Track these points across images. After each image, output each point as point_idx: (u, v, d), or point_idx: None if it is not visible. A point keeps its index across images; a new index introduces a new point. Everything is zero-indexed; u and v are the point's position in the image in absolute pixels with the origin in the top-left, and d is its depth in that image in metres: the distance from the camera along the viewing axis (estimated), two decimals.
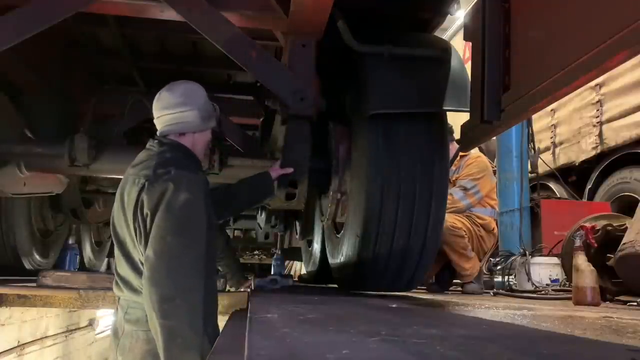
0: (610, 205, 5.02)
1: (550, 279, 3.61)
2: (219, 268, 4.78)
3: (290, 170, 2.48)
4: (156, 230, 1.82)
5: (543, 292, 3.36)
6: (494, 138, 5.56)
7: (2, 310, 3.87)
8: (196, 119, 2.07)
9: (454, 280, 4.12)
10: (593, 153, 5.37)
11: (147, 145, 2.08)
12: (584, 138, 5.49)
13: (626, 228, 2.80)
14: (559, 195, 5.97)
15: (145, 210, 1.85)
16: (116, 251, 2.01)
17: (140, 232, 1.87)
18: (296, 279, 6.38)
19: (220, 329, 2.08)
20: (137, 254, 1.93)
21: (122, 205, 1.96)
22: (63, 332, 5.54)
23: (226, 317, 2.80)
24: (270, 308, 1.69)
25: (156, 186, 1.86)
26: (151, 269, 1.81)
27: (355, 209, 2.61)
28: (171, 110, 2.05)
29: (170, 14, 2.42)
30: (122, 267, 1.98)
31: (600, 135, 5.25)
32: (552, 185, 6.11)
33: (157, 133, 2.10)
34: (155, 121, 2.10)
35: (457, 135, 2.96)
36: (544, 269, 3.64)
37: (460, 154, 3.95)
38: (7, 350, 4.23)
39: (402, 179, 2.45)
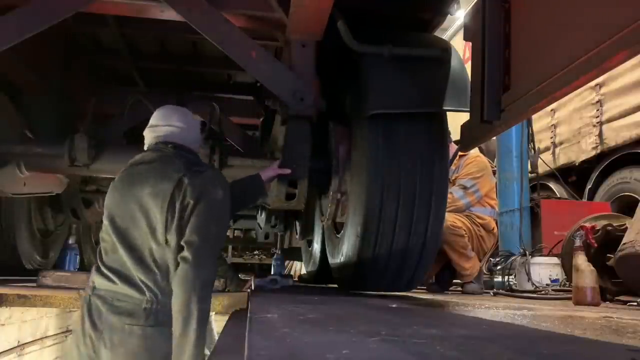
0: (610, 205, 5.02)
1: (550, 279, 3.61)
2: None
3: (287, 170, 2.53)
4: (201, 219, 1.94)
5: (543, 292, 3.36)
6: (494, 138, 5.56)
7: (2, 310, 3.87)
8: (197, 137, 2.25)
9: (454, 280, 4.12)
10: (593, 153, 5.37)
11: (153, 147, 2.15)
12: (584, 138, 5.49)
13: (626, 228, 2.80)
14: (559, 195, 5.97)
15: (188, 200, 1.94)
16: (112, 243, 1.99)
17: (173, 222, 1.93)
18: (296, 279, 6.39)
19: (220, 329, 2.09)
20: (150, 244, 1.94)
21: (134, 199, 1.98)
22: (63, 332, 5.54)
23: (226, 317, 2.80)
24: (270, 308, 1.69)
25: (197, 180, 1.98)
26: (197, 253, 1.90)
27: (355, 209, 2.61)
28: (168, 125, 2.16)
29: (170, 14, 2.42)
30: (118, 258, 1.97)
31: (600, 135, 5.25)
32: (552, 185, 6.11)
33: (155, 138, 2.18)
34: (154, 130, 2.18)
35: (455, 135, 2.96)
36: (544, 269, 3.64)
37: (460, 153, 3.95)
38: (7, 350, 4.22)
39: (402, 179, 2.45)
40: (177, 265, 1.92)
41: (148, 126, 2.21)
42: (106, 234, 2.03)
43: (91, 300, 1.97)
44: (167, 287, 1.94)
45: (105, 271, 1.98)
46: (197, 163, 2.15)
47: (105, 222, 2.03)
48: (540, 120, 6.10)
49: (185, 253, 1.90)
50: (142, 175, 2.03)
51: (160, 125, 2.17)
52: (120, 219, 2.00)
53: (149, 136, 2.20)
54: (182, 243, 1.92)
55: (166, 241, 1.94)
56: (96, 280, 1.99)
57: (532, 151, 5.68)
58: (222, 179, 2.11)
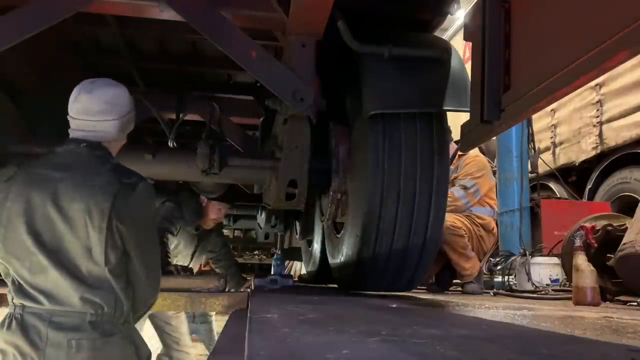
0: (610, 205, 5.02)
1: (550, 279, 3.61)
2: (217, 270, 4.78)
3: None
4: (144, 234, 1.94)
5: (543, 292, 3.36)
6: (494, 138, 5.56)
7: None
8: (114, 130, 1.97)
9: (454, 280, 4.12)
10: (593, 153, 5.37)
11: (68, 148, 1.93)
12: (584, 138, 5.49)
13: (626, 228, 2.80)
14: (559, 195, 5.97)
15: (126, 222, 1.84)
16: (39, 263, 1.81)
17: (112, 241, 1.83)
18: (296, 279, 6.39)
19: (220, 329, 2.09)
20: (87, 265, 1.83)
21: (60, 215, 1.81)
22: None
23: (226, 317, 2.80)
24: (270, 308, 1.69)
25: (133, 199, 1.87)
26: (150, 268, 1.95)
27: (355, 209, 2.61)
28: (88, 117, 1.93)
29: (170, 14, 2.42)
30: (50, 280, 1.82)
31: (600, 135, 5.25)
32: (552, 185, 6.11)
33: (70, 132, 1.97)
34: (69, 119, 1.96)
35: (455, 135, 2.96)
36: (544, 269, 3.64)
37: (459, 153, 3.95)
38: None
39: (402, 179, 2.45)
40: (112, 281, 1.86)
41: (70, 108, 1.95)
42: (24, 252, 1.81)
43: (24, 319, 1.81)
44: (111, 301, 1.86)
45: (34, 292, 1.82)
46: (126, 170, 1.96)
47: (24, 237, 1.81)
48: (540, 120, 6.10)
49: (140, 268, 1.94)
50: (62, 187, 1.83)
51: (73, 117, 1.94)
52: (49, 236, 1.82)
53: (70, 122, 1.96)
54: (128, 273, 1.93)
55: (106, 261, 1.83)
56: (23, 300, 1.83)
57: (532, 151, 5.68)
58: (152, 192, 1.99)
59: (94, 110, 1.93)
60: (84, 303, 1.82)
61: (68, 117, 1.97)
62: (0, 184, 1.90)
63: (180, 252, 4.48)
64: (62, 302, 1.82)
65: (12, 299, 1.87)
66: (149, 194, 1.96)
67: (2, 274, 1.94)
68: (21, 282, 1.84)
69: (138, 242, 1.90)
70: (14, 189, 1.86)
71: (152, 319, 4.66)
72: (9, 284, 1.89)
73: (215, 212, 4.33)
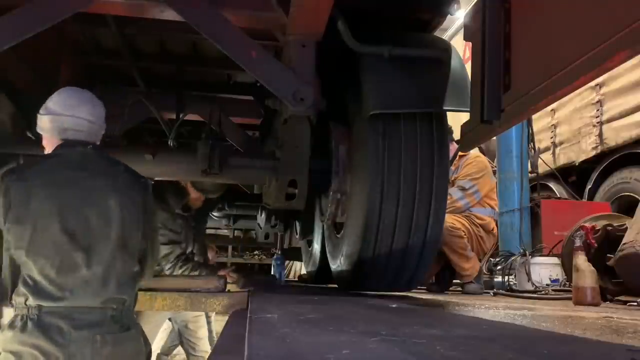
0: (610, 205, 5.02)
1: (550, 279, 3.61)
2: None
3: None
4: (154, 224, 2.10)
5: (543, 292, 3.36)
6: (494, 138, 5.56)
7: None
8: (99, 137, 2.20)
9: (454, 280, 4.12)
10: (593, 153, 5.37)
11: (75, 150, 2.03)
12: (584, 138, 5.49)
13: (626, 228, 2.80)
14: (559, 195, 5.97)
15: (150, 210, 2.07)
16: (73, 261, 1.87)
17: (144, 229, 2.02)
18: (296, 279, 6.39)
19: (220, 329, 2.11)
20: (118, 258, 1.91)
21: (95, 210, 1.90)
22: None
23: (226, 317, 2.80)
24: (270, 308, 1.69)
25: (149, 190, 2.08)
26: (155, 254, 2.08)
27: (355, 209, 2.61)
28: (101, 122, 2.15)
29: (170, 14, 2.42)
30: (79, 277, 1.87)
31: (600, 135, 5.25)
32: (552, 185, 6.11)
33: (62, 132, 2.03)
34: (64, 118, 2.02)
35: (456, 135, 2.96)
36: (544, 269, 3.64)
37: (460, 154, 3.95)
38: None
39: (402, 179, 2.45)
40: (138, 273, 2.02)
41: (50, 114, 2.01)
42: (56, 251, 1.87)
43: (41, 319, 1.83)
44: (134, 293, 1.98)
45: (57, 291, 1.85)
46: (134, 171, 2.17)
47: (57, 237, 1.86)
48: (540, 120, 6.10)
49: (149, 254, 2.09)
50: (92, 184, 1.92)
51: (80, 117, 2.05)
52: (83, 234, 1.88)
53: (51, 127, 2.01)
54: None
55: (139, 253, 1.96)
56: (41, 302, 1.85)
57: (532, 151, 5.68)
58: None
59: (103, 115, 2.17)
60: (108, 301, 1.89)
61: (61, 116, 2.01)
62: (15, 186, 1.90)
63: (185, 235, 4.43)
64: (87, 299, 1.87)
65: (26, 300, 1.86)
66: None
67: (7, 276, 1.93)
68: (44, 281, 1.85)
69: (153, 230, 2.09)
70: (38, 190, 1.89)
71: (174, 319, 4.66)
72: (21, 286, 1.88)
73: (195, 191, 4.31)
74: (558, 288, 3.49)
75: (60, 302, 1.85)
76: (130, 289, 1.98)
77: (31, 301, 1.86)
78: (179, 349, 4.89)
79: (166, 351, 5.13)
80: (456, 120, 3.47)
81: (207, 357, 4.72)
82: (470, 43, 2.25)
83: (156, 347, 5.18)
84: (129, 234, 1.94)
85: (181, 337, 4.73)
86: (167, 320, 4.65)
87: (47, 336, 1.82)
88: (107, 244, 1.90)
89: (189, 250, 4.27)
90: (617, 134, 5.05)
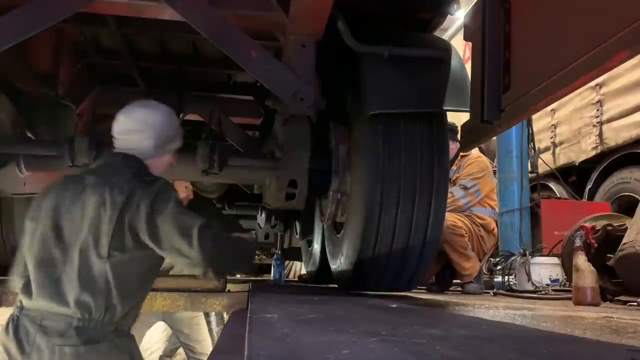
0: (610, 205, 5.02)
1: (550, 279, 3.61)
2: None
3: None
4: (170, 222, 1.87)
5: (543, 292, 3.36)
6: (494, 138, 5.56)
7: (1, 310, 3.86)
8: (149, 147, 2.06)
9: (454, 280, 4.12)
10: (593, 153, 5.37)
11: (106, 159, 2.10)
12: (584, 138, 5.49)
13: (626, 228, 2.80)
14: (559, 195, 5.97)
15: (142, 210, 1.85)
16: (51, 257, 1.87)
17: (121, 234, 1.85)
18: (296, 279, 6.39)
19: (220, 329, 2.09)
20: (91, 258, 1.85)
21: (79, 210, 1.88)
22: None
23: (226, 317, 2.80)
24: (270, 308, 1.69)
25: (149, 190, 1.90)
26: (200, 251, 1.87)
27: (355, 209, 2.61)
28: (124, 135, 2.06)
29: (170, 14, 2.42)
30: (53, 274, 1.85)
31: (600, 135, 5.25)
32: (552, 185, 6.11)
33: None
34: (113, 140, 2.11)
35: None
36: (544, 269, 3.64)
37: (461, 154, 3.95)
38: None
39: (402, 179, 2.45)
40: (110, 279, 1.86)
41: (112, 129, 2.10)
42: (43, 247, 1.89)
43: (19, 320, 1.85)
44: (102, 303, 1.85)
45: (36, 289, 1.86)
46: (147, 173, 2.04)
47: (48, 233, 1.89)
48: (540, 120, 6.10)
49: (191, 257, 1.87)
50: (88, 186, 1.91)
51: (113, 137, 2.08)
52: (68, 231, 1.89)
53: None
54: (174, 254, 1.89)
55: (108, 255, 1.84)
56: (24, 299, 1.88)
57: (532, 151, 5.68)
58: (172, 187, 2.02)
59: (129, 129, 2.06)
60: (76, 303, 1.82)
61: (113, 138, 2.10)
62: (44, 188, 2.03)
63: None
64: (60, 299, 1.83)
65: (19, 300, 1.90)
66: (168, 187, 1.98)
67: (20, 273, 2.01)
68: (30, 278, 1.89)
69: (168, 229, 1.88)
70: (52, 190, 1.98)
71: (169, 325, 4.64)
72: (19, 286, 1.94)
73: (182, 189, 4.29)
74: (558, 288, 3.49)
75: (35, 302, 1.85)
76: (100, 295, 1.84)
77: (19, 299, 1.90)
78: (182, 349, 4.88)
79: (168, 353, 5.13)
80: (456, 120, 3.47)
81: (204, 358, 4.72)
82: (470, 43, 2.25)
83: (157, 347, 5.17)
84: (101, 230, 1.85)
85: (179, 341, 4.72)
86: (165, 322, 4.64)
87: (17, 339, 1.83)
88: (82, 239, 1.86)
89: None
90: (617, 134, 5.05)
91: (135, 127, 2.05)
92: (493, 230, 3.93)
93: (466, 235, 3.74)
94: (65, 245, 1.88)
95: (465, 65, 2.58)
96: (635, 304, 2.64)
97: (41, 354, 1.80)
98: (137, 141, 2.04)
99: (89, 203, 1.88)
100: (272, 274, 4.90)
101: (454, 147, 3.47)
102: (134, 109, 2.09)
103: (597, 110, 5.30)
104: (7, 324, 1.87)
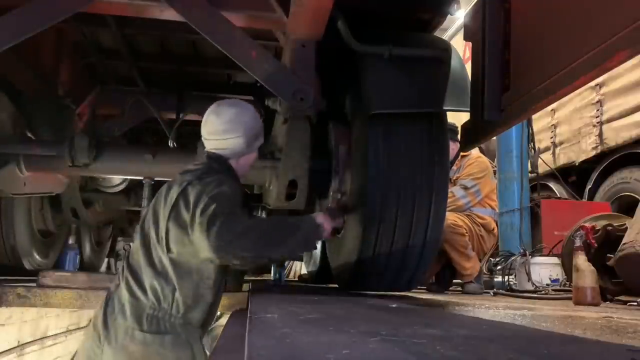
0: (610, 205, 5.02)
1: (550, 279, 3.61)
2: None
3: (339, 222, 2.41)
4: (201, 204, 1.90)
5: (543, 292, 3.36)
6: (494, 138, 5.56)
7: (2, 310, 3.87)
8: (241, 146, 2.12)
9: (454, 280, 4.12)
10: (593, 153, 5.37)
11: (200, 161, 2.16)
12: (584, 138, 5.49)
13: (626, 228, 2.80)
14: (559, 195, 5.97)
15: (190, 203, 1.92)
16: (137, 245, 2.05)
17: (175, 229, 1.94)
18: (296, 279, 6.39)
19: (220, 329, 2.09)
20: (157, 250, 1.98)
21: (160, 204, 2.02)
22: (63, 332, 5.54)
23: (226, 317, 2.80)
24: (270, 308, 1.69)
25: (200, 184, 1.96)
26: (209, 229, 1.86)
27: (355, 209, 2.61)
28: (216, 136, 2.11)
29: (170, 14, 2.42)
30: (138, 260, 2.01)
31: (600, 135, 5.25)
32: (552, 185, 6.11)
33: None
34: (203, 140, 2.17)
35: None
36: (544, 269, 3.64)
37: (461, 154, 3.96)
38: (7, 350, 4.23)
39: (402, 179, 2.45)
40: (172, 273, 1.95)
41: (202, 131, 2.18)
42: (136, 234, 2.09)
43: (112, 296, 2.01)
44: (169, 293, 1.94)
45: (127, 272, 2.02)
46: (215, 171, 2.05)
47: (140, 223, 2.11)
48: (540, 120, 6.10)
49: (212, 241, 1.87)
50: (173, 184, 2.05)
51: (204, 138, 2.15)
52: (147, 223, 2.05)
53: None
54: (196, 233, 1.89)
55: (168, 249, 1.95)
56: (121, 279, 2.03)
57: (532, 151, 5.68)
58: (230, 184, 2.01)
59: (218, 130, 2.10)
60: (150, 288, 1.94)
61: (203, 139, 2.16)
62: None
63: None
64: (139, 284, 1.96)
65: (118, 277, 2.07)
66: (221, 182, 1.98)
67: None
68: (125, 262, 2.07)
69: (195, 218, 1.90)
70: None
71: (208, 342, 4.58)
72: (120, 267, 2.11)
73: None
74: (558, 288, 3.49)
75: (125, 283, 2.01)
76: (167, 285, 1.95)
77: (117, 279, 2.09)
78: None
79: None
80: (456, 120, 3.47)
81: None
82: (470, 43, 2.25)
83: None
84: (163, 225, 1.97)
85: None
86: None
87: (104, 315, 2.00)
88: (153, 236, 2.01)
89: None
90: (617, 134, 5.05)
91: (225, 127, 2.09)
92: (493, 230, 3.94)
93: (467, 234, 3.74)
94: (144, 235, 2.03)
95: (465, 65, 2.58)
96: (635, 304, 2.64)
97: (118, 334, 1.93)
98: (227, 141, 2.10)
99: (160, 200, 2.02)
100: (272, 274, 4.91)
101: (454, 147, 3.47)
102: (222, 109, 2.13)
103: (597, 110, 5.30)
104: (103, 301, 2.03)
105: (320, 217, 2.14)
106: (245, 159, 2.19)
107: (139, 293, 1.95)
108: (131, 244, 2.14)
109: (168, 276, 1.95)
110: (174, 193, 1.97)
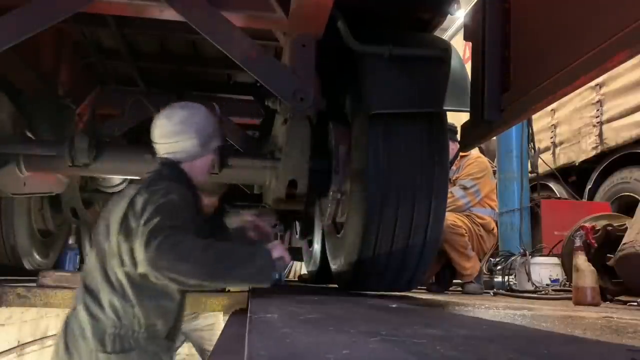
0: (610, 205, 5.02)
1: (550, 279, 3.61)
2: None
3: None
4: (146, 216, 1.79)
5: (543, 292, 3.36)
6: (494, 138, 5.56)
7: (2, 310, 3.86)
8: (194, 148, 2.04)
9: (454, 280, 4.12)
10: (593, 153, 5.37)
11: (154, 167, 2.10)
12: (584, 138, 5.49)
13: (626, 228, 2.80)
14: (559, 195, 5.97)
15: (138, 212, 1.83)
16: (93, 262, 1.95)
17: (126, 242, 1.84)
18: (296, 279, 6.39)
19: (221, 329, 2.08)
20: (113, 265, 1.88)
21: (111, 216, 1.93)
22: None
23: (226, 317, 2.80)
24: (270, 308, 1.69)
25: (146, 192, 1.88)
26: (148, 245, 1.74)
27: (355, 209, 2.61)
28: (167, 140, 2.03)
29: (170, 14, 2.42)
30: (94, 278, 1.92)
31: (600, 135, 5.25)
32: (552, 185, 6.11)
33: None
34: (154, 145, 2.08)
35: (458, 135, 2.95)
36: (544, 269, 3.64)
37: (461, 154, 3.96)
38: (7, 350, 4.22)
39: (402, 179, 2.45)
40: (129, 287, 1.87)
41: (152, 135, 2.11)
42: (90, 253, 2.03)
43: (69, 322, 1.93)
44: (128, 310, 1.87)
45: (84, 293, 1.93)
46: (165, 178, 1.97)
47: (95, 239, 2.00)
48: (540, 120, 6.10)
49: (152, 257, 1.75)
50: (119, 196, 2.00)
51: (154, 142, 2.07)
52: (101, 238, 1.96)
53: None
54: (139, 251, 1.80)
55: (122, 263, 1.87)
56: (77, 302, 1.95)
57: (532, 151, 5.69)
58: (179, 190, 1.91)
59: (169, 132, 2.03)
60: (110, 306, 1.87)
61: (153, 143, 2.08)
62: None
63: None
64: (99, 303, 1.89)
65: (74, 300, 2.01)
66: (168, 191, 1.88)
67: None
68: (83, 282, 1.98)
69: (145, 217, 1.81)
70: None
71: (187, 333, 4.60)
72: (78, 288, 2.02)
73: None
74: (558, 288, 3.49)
75: (82, 305, 1.93)
76: (129, 304, 1.87)
77: (75, 297, 2.03)
78: (181, 349, 4.87)
79: None
80: (456, 120, 3.47)
81: None
82: (470, 43, 2.25)
83: None
84: (117, 241, 1.87)
85: (198, 347, 4.65)
86: None
87: (65, 339, 1.94)
88: (107, 251, 1.93)
89: None
90: (617, 134, 5.05)
91: (176, 129, 2.02)
92: (493, 230, 3.94)
93: (466, 234, 3.74)
94: (99, 252, 1.95)
95: (465, 65, 2.58)
96: (635, 304, 2.64)
97: (81, 357, 1.86)
98: (180, 143, 2.02)
99: (111, 212, 1.95)
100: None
101: (453, 147, 3.47)
102: (172, 111, 2.07)
103: (597, 110, 5.30)
104: (63, 324, 1.96)
105: (278, 250, 1.93)
106: (201, 162, 2.09)
107: (98, 313, 1.87)
108: (85, 265, 2.04)
109: (125, 291, 1.87)
110: (124, 203, 1.88)
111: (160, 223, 1.75)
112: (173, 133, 2.02)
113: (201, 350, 4.61)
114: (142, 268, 1.79)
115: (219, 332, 4.54)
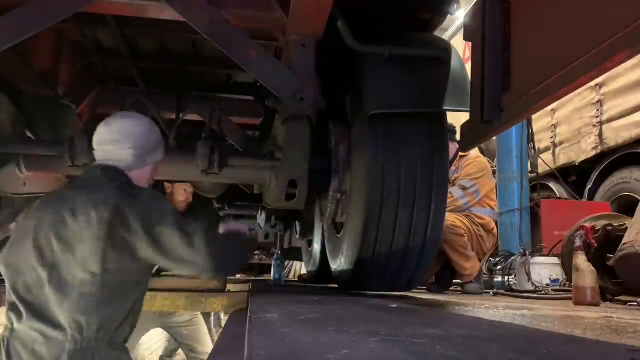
0: (610, 205, 5.02)
1: (550, 279, 3.61)
2: None
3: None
4: (171, 233, 1.84)
5: (543, 292, 3.36)
6: (494, 138, 5.56)
7: (2, 310, 3.86)
8: (130, 158, 2.00)
9: (454, 280, 4.12)
10: (593, 153, 5.37)
11: (86, 171, 2.06)
12: (584, 138, 5.49)
13: (626, 228, 2.80)
14: (559, 195, 5.97)
15: (135, 227, 1.80)
16: (38, 278, 1.81)
17: (115, 250, 1.81)
18: (296, 279, 6.39)
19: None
20: (81, 277, 1.79)
21: (64, 228, 1.82)
22: None
23: (226, 317, 2.80)
24: (270, 308, 1.69)
25: (140, 199, 1.87)
26: (206, 262, 1.87)
27: (355, 209, 2.61)
28: (104, 146, 1.99)
29: (170, 14, 2.42)
30: (42, 295, 1.80)
31: (600, 135, 5.25)
32: (552, 185, 6.11)
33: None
34: (93, 152, 2.05)
35: (457, 135, 2.95)
36: (544, 269, 3.64)
37: (460, 154, 3.96)
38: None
39: (402, 179, 2.45)
40: (102, 295, 1.81)
41: (93, 142, 2.05)
42: (26, 266, 1.83)
43: (10, 343, 1.80)
44: (95, 320, 1.80)
45: (25, 310, 1.80)
46: (131, 186, 1.96)
47: (29, 252, 1.83)
48: (540, 120, 6.10)
49: (201, 265, 1.87)
50: (69, 203, 1.84)
51: (94, 148, 2.03)
52: (49, 250, 1.82)
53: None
54: (180, 263, 1.87)
55: (102, 271, 1.79)
56: (14, 321, 1.81)
57: (532, 151, 5.69)
58: (161, 196, 2.02)
59: (109, 139, 2.00)
60: (69, 325, 1.77)
61: (93, 150, 2.05)
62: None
63: None
64: (50, 322, 1.78)
65: (9, 321, 1.85)
66: (156, 196, 1.97)
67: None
68: (15, 298, 1.83)
69: (171, 240, 1.84)
70: (34, 207, 1.95)
71: (165, 329, 4.64)
72: (7, 307, 1.87)
73: (181, 193, 4.27)
74: (558, 288, 3.49)
75: (26, 325, 1.80)
76: (94, 310, 1.80)
77: (8, 318, 1.85)
78: (181, 349, 4.88)
79: (168, 353, 5.13)
80: (456, 120, 3.47)
81: (205, 357, 4.70)
82: (470, 43, 2.25)
83: (157, 347, 5.16)
84: (90, 249, 1.80)
85: (178, 342, 4.71)
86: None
87: None
88: (68, 259, 1.81)
89: None
90: (617, 134, 5.05)
91: (114, 137, 1.99)
92: (492, 230, 3.94)
93: (466, 235, 3.74)
94: (50, 265, 1.81)
95: (465, 65, 2.58)
96: (635, 304, 2.65)
97: None
98: (117, 151, 1.98)
99: (73, 221, 1.81)
100: (272, 274, 4.90)
101: (452, 147, 3.47)
102: (114, 119, 2.04)
103: (597, 110, 5.30)
104: (4, 343, 1.82)
105: (243, 226, 2.20)
106: (138, 174, 2.04)
107: (50, 332, 1.77)
108: (15, 281, 1.84)
109: (93, 302, 1.80)
110: (104, 213, 1.78)
111: (194, 229, 1.86)
112: (110, 141, 1.99)
113: (180, 343, 4.68)
114: (202, 273, 1.92)
115: (197, 327, 4.60)
